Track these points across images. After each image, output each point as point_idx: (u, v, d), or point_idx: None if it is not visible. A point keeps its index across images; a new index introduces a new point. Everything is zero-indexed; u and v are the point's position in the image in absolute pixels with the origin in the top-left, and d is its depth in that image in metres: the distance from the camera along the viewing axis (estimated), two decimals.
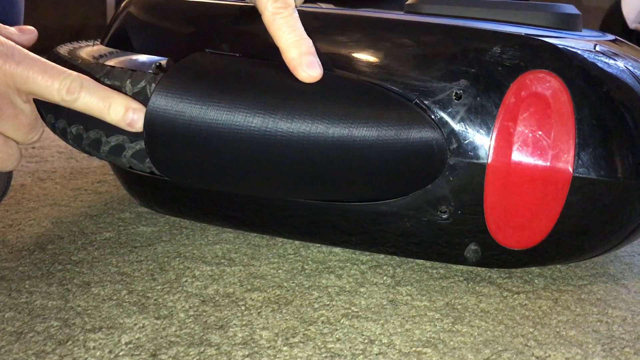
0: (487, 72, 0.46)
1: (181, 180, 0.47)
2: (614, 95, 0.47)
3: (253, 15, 0.50)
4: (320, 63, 0.44)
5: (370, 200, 0.48)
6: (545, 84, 0.45)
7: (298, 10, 0.49)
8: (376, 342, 0.42)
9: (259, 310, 0.45)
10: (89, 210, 0.61)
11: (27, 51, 0.40)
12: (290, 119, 0.42)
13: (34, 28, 0.46)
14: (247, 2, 0.51)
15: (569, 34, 0.53)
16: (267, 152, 0.43)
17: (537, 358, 0.41)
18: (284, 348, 0.40)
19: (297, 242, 0.56)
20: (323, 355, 0.40)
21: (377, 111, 0.44)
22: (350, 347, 0.41)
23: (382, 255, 0.55)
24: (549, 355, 0.41)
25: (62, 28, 2.24)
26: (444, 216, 0.47)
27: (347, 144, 0.43)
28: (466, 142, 0.45)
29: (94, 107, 0.41)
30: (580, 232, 0.48)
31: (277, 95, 0.43)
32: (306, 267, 0.52)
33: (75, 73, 0.41)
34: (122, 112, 0.41)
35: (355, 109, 0.44)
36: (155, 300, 0.45)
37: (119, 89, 0.45)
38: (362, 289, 0.49)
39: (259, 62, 0.47)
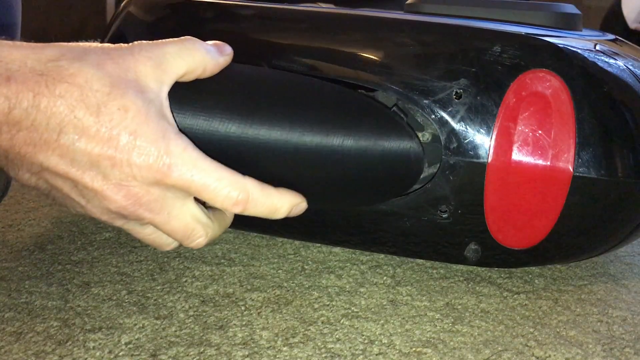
0: (488, 71, 0.46)
1: None
2: (614, 94, 0.47)
3: (254, 14, 0.50)
4: None
5: (341, 206, 0.48)
6: (546, 84, 0.45)
7: (299, 9, 0.49)
8: (376, 342, 0.41)
9: (259, 310, 0.44)
10: None
11: (196, 152, 0.37)
12: (266, 125, 0.41)
13: (229, 46, 0.42)
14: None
15: (569, 33, 0.53)
16: (242, 158, 0.42)
17: (537, 358, 0.41)
18: (284, 348, 0.40)
19: (297, 242, 0.56)
20: (323, 356, 0.40)
21: (352, 120, 0.43)
22: (350, 347, 0.41)
23: (382, 255, 0.54)
24: (549, 356, 0.41)
25: (62, 28, 2.25)
26: (444, 216, 0.47)
27: (322, 153, 0.42)
28: (466, 141, 0.45)
29: (258, 215, 0.40)
30: (580, 232, 0.48)
31: (254, 100, 0.42)
32: (306, 267, 0.52)
33: (242, 183, 0.38)
34: (286, 214, 0.41)
35: (330, 117, 0.43)
36: (155, 300, 0.45)
37: None
38: (362, 289, 0.48)
39: (241, 66, 0.46)
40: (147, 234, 0.40)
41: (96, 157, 0.35)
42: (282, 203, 0.40)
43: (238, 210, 0.38)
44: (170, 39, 0.39)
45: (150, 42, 0.38)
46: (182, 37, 0.39)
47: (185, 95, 0.40)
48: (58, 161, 0.35)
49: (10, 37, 0.65)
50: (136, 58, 0.37)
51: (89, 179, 0.36)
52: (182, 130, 0.38)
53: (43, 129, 0.34)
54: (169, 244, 0.41)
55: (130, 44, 0.38)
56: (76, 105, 0.34)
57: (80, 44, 0.37)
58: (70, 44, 0.37)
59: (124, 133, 0.35)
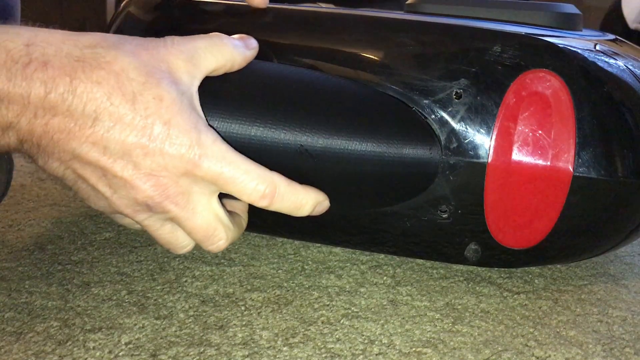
0: (488, 71, 0.46)
1: None
2: (614, 94, 0.47)
3: (254, 14, 0.50)
4: None
5: (357, 208, 0.48)
6: (546, 84, 0.45)
7: (299, 9, 0.49)
8: (376, 342, 0.41)
9: (259, 310, 0.44)
10: (89, 210, 0.61)
11: (225, 145, 0.37)
12: (290, 127, 0.41)
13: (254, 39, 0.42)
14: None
15: (569, 33, 0.53)
16: (263, 157, 0.41)
17: (537, 358, 0.41)
18: (284, 348, 0.40)
19: (297, 242, 0.56)
20: (323, 356, 0.40)
21: (374, 122, 0.43)
22: (350, 347, 0.41)
23: (382, 255, 0.54)
24: (549, 356, 0.41)
25: (61, 28, 2.24)
26: (444, 216, 0.47)
27: (341, 155, 0.42)
28: (466, 141, 0.45)
29: (283, 210, 0.40)
30: (580, 232, 0.48)
31: (278, 101, 0.42)
32: (306, 267, 0.52)
33: (270, 177, 0.38)
34: (310, 211, 0.41)
35: (352, 119, 0.43)
36: (155, 300, 0.45)
37: None
38: (362, 289, 0.48)
39: (254, 64, 0.46)
40: (165, 231, 0.40)
41: (129, 145, 0.35)
42: (307, 200, 0.40)
43: (264, 204, 0.38)
44: (200, 35, 0.39)
45: (181, 37, 0.38)
46: (211, 34, 0.40)
47: (213, 92, 0.40)
48: (90, 148, 0.35)
49: (11, 17, 0.65)
50: (169, 51, 0.37)
51: (119, 168, 0.36)
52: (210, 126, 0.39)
53: (79, 115, 0.34)
54: (184, 245, 0.41)
55: (163, 37, 0.38)
56: (113, 92, 0.34)
57: (115, 35, 0.37)
58: (105, 34, 0.37)
59: (158, 122, 0.35)
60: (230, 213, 0.41)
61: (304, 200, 0.40)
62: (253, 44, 0.41)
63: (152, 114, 0.35)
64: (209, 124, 0.38)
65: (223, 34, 0.40)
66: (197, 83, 0.38)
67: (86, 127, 0.35)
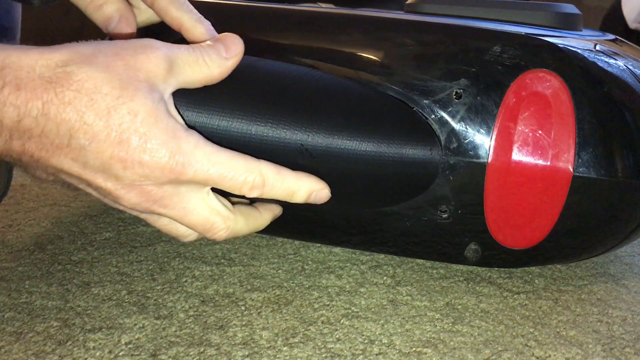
0: (488, 71, 0.46)
1: None
2: (614, 94, 0.47)
3: (254, 15, 0.50)
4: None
5: (355, 207, 0.48)
6: (546, 84, 0.45)
7: (299, 9, 0.49)
8: (376, 342, 0.41)
9: (259, 310, 0.44)
10: (89, 210, 0.61)
11: (208, 146, 0.37)
12: (281, 125, 0.41)
13: (239, 40, 0.41)
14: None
15: (569, 33, 0.53)
16: (259, 157, 0.41)
17: (537, 358, 0.41)
18: (284, 348, 0.40)
19: (297, 242, 0.56)
20: (323, 355, 0.40)
21: (375, 122, 0.43)
22: (350, 347, 0.41)
23: (382, 255, 0.54)
24: (549, 356, 0.41)
25: (62, 28, 2.24)
26: (444, 216, 0.47)
27: (341, 156, 0.42)
28: (466, 141, 0.45)
29: (277, 198, 0.40)
30: (580, 232, 0.48)
31: (273, 100, 0.42)
32: (306, 267, 0.52)
33: (257, 167, 0.38)
34: (305, 198, 0.40)
35: (351, 118, 0.43)
36: (155, 300, 0.45)
37: None
38: (362, 289, 0.48)
39: (256, 62, 0.46)
40: (163, 223, 0.40)
41: (108, 160, 0.35)
42: (299, 186, 0.40)
43: (256, 194, 0.38)
44: (183, 45, 0.39)
45: (163, 43, 0.38)
46: (194, 45, 0.39)
47: (214, 90, 0.40)
48: (72, 164, 0.36)
49: (10, 40, 0.65)
50: (149, 58, 0.37)
51: (101, 180, 0.36)
52: (195, 127, 0.39)
53: (54, 136, 0.35)
54: (187, 235, 0.41)
55: (144, 40, 0.38)
56: (85, 111, 0.35)
57: (92, 42, 0.37)
58: (80, 44, 0.37)
59: (134, 137, 0.35)
60: (239, 205, 0.41)
61: (295, 187, 0.40)
62: (236, 49, 0.40)
63: (127, 129, 0.35)
64: (206, 123, 0.38)
65: (205, 47, 0.39)
66: (171, 90, 0.38)
67: (63, 145, 0.35)
